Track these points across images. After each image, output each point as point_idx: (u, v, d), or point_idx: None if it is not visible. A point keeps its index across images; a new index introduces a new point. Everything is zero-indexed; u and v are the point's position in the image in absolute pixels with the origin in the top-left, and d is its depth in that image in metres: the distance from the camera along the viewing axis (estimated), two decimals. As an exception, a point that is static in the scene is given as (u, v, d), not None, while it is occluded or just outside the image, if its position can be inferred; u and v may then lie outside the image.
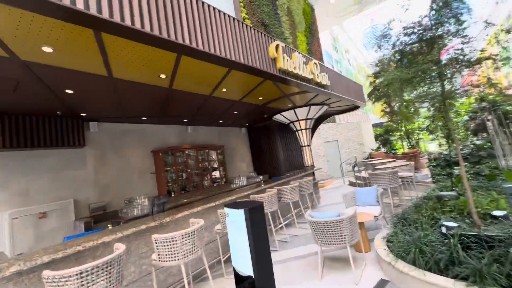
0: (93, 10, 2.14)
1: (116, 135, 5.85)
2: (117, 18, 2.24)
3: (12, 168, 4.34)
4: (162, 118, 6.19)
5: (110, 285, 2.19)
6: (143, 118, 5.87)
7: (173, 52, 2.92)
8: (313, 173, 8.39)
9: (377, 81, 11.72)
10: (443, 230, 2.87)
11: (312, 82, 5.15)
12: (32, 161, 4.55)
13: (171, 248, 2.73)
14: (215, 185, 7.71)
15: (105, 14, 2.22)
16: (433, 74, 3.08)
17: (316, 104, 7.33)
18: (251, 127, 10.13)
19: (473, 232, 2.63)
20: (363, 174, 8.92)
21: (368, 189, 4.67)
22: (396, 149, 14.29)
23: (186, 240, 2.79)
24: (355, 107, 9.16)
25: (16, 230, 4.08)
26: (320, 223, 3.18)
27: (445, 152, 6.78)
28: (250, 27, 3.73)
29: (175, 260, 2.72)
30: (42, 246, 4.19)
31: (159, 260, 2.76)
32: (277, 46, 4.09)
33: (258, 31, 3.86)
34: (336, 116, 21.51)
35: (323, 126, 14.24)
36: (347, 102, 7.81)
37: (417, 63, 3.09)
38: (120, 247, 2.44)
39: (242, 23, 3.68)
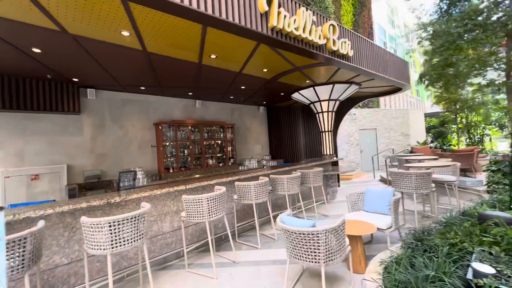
0: None
1: (116, 104, 5.69)
2: None
3: (10, 129, 4.46)
4: (163, 89, 5.80)
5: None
6: (142, 88, 5.55)
7: (112, -5, 2.29)
8: (335, 163, 7.32)
9: (435, 59, 9.45)
10: (469, 274, 1.85)
11: (326, 50, 4.03)
12: (28, 123, 4.63)
13: (96, 235, 2.31)
14: (220, 165, 7.27)
15: None
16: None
17: (341, 82, 6.07)
18: (271, 106, 9.25)
19: (521, 291, 1.58)
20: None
21: (381, 192, 3.61)
22: (450, 144, 11.82)
23: (119, 228, 2.35)
24: (396, 89, 7.49)
25: (8, 188, 4.25)
26: (289, 231, 2.40)
27: (513, 155, 5.04)
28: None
29: (101, 249, 2.32)
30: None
31: (87, 247, 2.38)
32: (270, -4, 3.12)
33: (243, -26, 2.95)
34: (382, 101, 18.87)
35: (360, 111, 12.50)
36: (383, 82, 6.32)
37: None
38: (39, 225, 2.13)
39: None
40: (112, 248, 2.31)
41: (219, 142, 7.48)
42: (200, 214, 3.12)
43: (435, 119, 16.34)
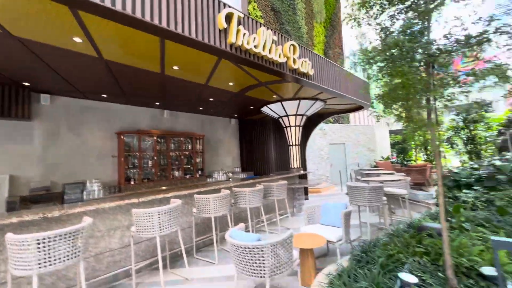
0: None
1: (73, 111, 5.39)
2: None
3: None
4: (127, 97, 5.62)
5: None
6: (103, 95, 5.34)
7: (64, 4, 2.23)
8: (303, 177, 7.49)
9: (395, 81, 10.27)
10: (397, 284, 1.95)
11: (286, 67, 4.23)
12: (-35, 129, 4.21)
13: (22, 254, 2.10)
14: (187, 177, 7.10)
15: None
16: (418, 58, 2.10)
17: (306, 98, 6.35)
18: (243, 119, 9.35)
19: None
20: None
21: (335, 205, 3.74)
22: (410, 160, 12.73)
23: (49, 246, 2.15)
24: (359, 107, 7.99)
25: None
26: (235, 246, 2.38)
27: (455, 170, 5.54)
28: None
29: (26, 269, 2.10)
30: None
31: (10, 267, 2.15)
32: (228, 16, 3.23)
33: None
34: (351, 116, 19.96)
35: (330, 126, 13.07)
36: (346, 100, 6.73)
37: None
38: None
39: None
40: (40, 267, 2.11)
41: (187, 153, 7.34)
42: (150, 228, 2.99)
43: (399, 135, 17.57)
